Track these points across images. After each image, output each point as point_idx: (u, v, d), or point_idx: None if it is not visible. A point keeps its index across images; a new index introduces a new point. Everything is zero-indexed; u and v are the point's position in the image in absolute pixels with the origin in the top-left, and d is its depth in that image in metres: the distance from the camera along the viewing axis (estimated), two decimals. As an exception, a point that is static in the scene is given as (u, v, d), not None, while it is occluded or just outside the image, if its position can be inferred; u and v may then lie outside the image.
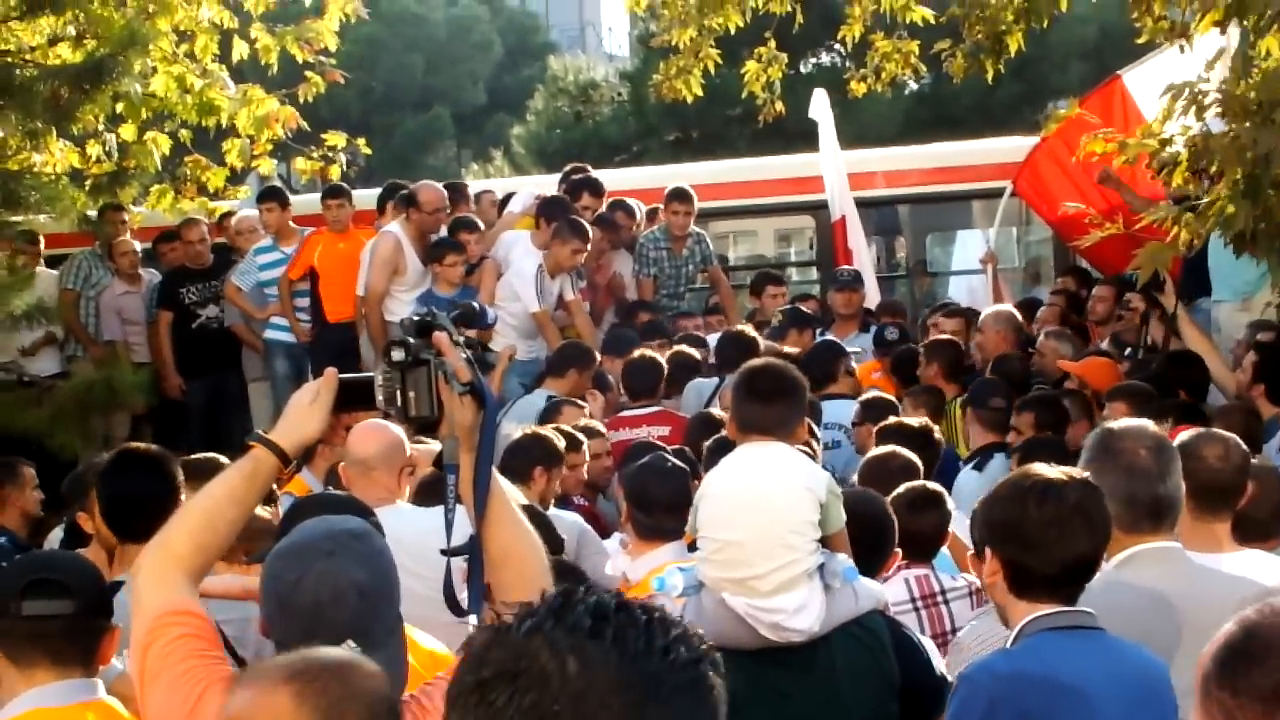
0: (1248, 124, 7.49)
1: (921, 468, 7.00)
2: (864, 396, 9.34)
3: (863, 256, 13.61)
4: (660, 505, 6.05)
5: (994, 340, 10.83)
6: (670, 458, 6.46)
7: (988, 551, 4.22)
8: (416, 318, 3.76)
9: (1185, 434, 5.37)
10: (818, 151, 14.17)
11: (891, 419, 8.22)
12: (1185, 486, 4.95)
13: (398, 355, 3.65)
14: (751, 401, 5.55)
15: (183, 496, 5.59)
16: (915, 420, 8.15)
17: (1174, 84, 8.06)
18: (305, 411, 3.78)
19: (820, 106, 13.94)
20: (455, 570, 3.78)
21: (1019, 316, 11.33)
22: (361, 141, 14.13)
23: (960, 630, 5.78)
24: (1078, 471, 4.32)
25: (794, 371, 5.70)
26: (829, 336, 11.26)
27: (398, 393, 3.65)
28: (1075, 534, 4.13)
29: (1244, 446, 5.41)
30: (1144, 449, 4.57)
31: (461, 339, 3.72)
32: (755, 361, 5.99)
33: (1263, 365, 8.56)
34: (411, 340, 3.65)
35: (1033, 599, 4.14)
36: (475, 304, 3.68)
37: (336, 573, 3.45)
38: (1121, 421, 4.98)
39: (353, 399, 3.82)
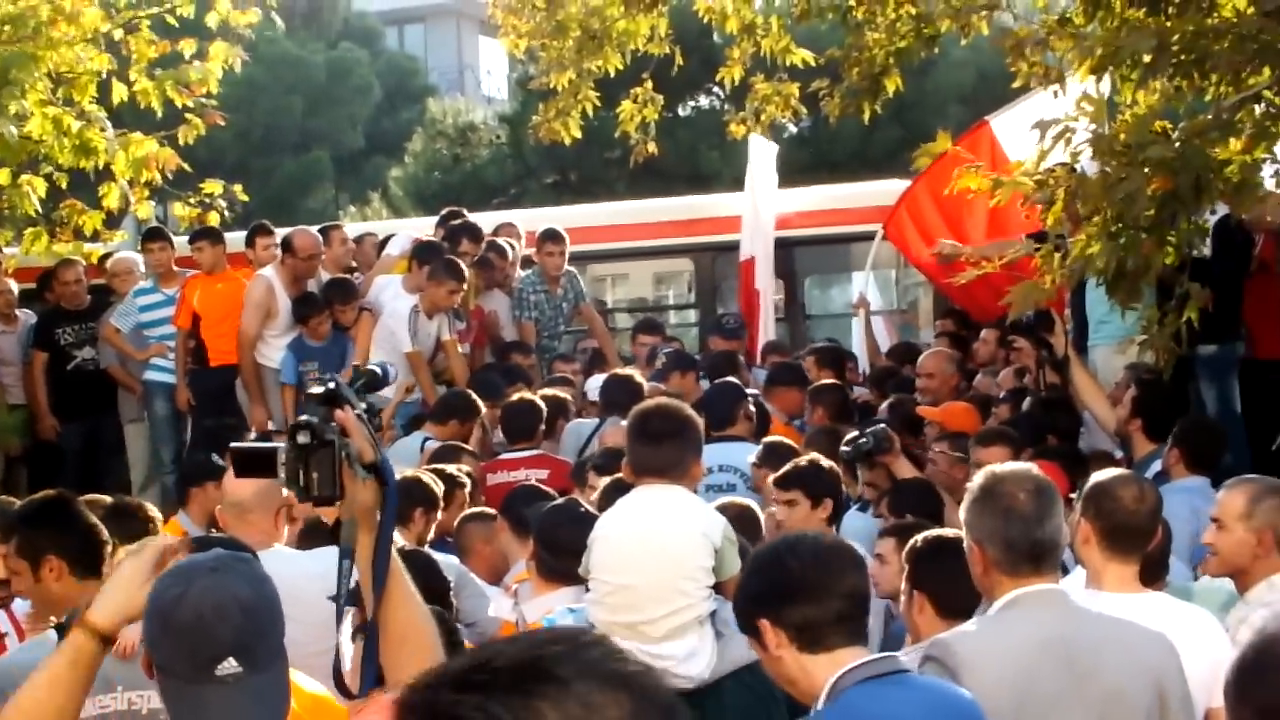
0: (1114, 164, 7.57)
1: (762, 518, 6.98)
2: (766, 440, 9.08)
3: (767, 298, 13.64)
4: (568, 549, 6.02)
5: (946, 381, 10.83)
6: (584, 504, 6.52)
7: (766, 624, 4.06)
8: (320, 389, 3.67)
9: (1101, 475, 5.39)
10: (697, 195, 14.22)
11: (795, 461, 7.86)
12: (1099, 527, 5.08)
13: (303, 439, 3.55)
14: (643, 444, 5.52)
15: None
16: (824, 461, 7.79)
17: (1044, 120, 8.12)
18: (130, 589, 3.65)
19: (759, 146, 13.90)
20: (344, 652, 3.72)
21: (954, 354, 11.40)
22: (238, 188, 13.99)
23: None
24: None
25: (685, 411, 5.67)
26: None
27: (300, 472, 3.57)
28: (843, 571, 4.08)
29: (1158, 490, 5.45)
30: (1023, 493, 4.54)
31: (363, 406, 3.65)
32: (648, 402, 5.96)
33: (1142, 400, 8.64)
34: (316, 421, 3.56)
35: (828, 651, 4.01)
36: (377, 367, 3.61)
37: (220, 588, 3.38)
38: (1005, 465, 4.96)
39: (253, 467, 3.73)
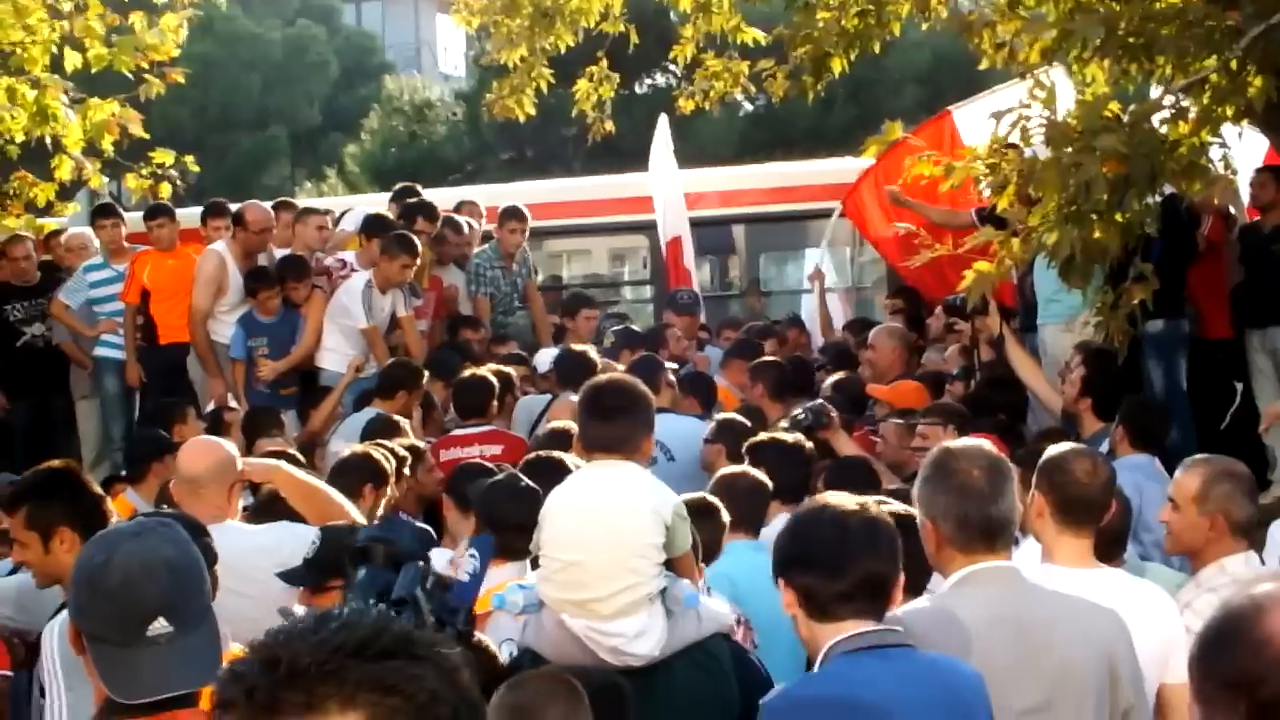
0: (1069, 150, 7.62)
1: (771, 488, 7.00)
2: (719, 417, 9.13)
3: (693, 276, 13.72)
4: (510, 524, 6.05)
5: (887, 357, 10.87)
6: (524, 478, 6.48)
7: (782, 583, 4.18)
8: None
9: (1055, 448, 5.43)
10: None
11: (764, 435, 7.99)
12: (1052, 500, 5.11)
13: None
14: (594, 420, 5.51)
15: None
16: (789, 437, 7.91)
17: (999, 110, 8.18)
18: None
19: (660, 129, 14.00)
20: None
21: (907, 333, 11.45)
22: (190, 159, 13.87)
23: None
24: (868, 500, 4.33)
25: (637, 387, 5.66)
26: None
27: None
28: (858, 553, 4.09)
29: (1111, 465, 5.48)
30: (977, 469, 4.55)
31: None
32: (599, 378, 5.94)
33: (1090, 380, 8.69)
34: None
35: (833, 621, 4.08)
36: (457, 579, 3.62)
37: (145, 550, 3.43)
38: (959, 441, 4.99)
39: None
